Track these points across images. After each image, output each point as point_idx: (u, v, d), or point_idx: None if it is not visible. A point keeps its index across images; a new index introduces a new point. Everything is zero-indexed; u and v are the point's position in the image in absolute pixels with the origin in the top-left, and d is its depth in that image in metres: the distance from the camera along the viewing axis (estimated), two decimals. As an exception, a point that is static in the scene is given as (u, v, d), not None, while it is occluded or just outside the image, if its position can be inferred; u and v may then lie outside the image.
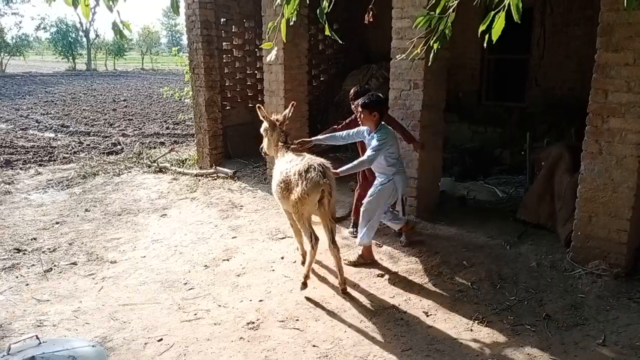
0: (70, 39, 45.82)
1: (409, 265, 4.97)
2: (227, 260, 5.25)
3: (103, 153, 10.83)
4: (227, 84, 9.09)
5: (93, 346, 2.63)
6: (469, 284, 4.56)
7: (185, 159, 9.67)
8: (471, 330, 3.87)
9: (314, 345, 3.72)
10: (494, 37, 2.72)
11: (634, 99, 4.26)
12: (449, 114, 8.00)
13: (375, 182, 4.84)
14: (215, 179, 8.21)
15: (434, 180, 6.28)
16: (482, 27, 2.63)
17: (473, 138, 9.01)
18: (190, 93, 9.55)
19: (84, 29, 46.75)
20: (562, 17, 8.33)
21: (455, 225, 5.77)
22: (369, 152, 4.49)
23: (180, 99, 14.07)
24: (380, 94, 4.60)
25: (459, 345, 3.69)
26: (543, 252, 5.05)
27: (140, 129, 14.12)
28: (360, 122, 4.62)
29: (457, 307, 4.20)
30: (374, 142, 4.47)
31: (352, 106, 4.99)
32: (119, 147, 11.51)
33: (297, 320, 4.08)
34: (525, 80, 9.13)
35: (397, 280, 4.70)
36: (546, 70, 8.70)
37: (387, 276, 4.77)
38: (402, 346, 3.65)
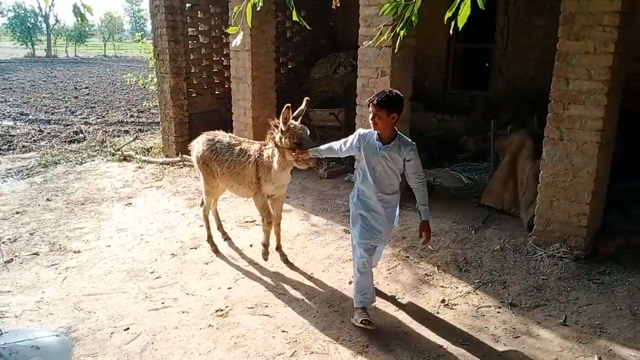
0: (28, 24, 44.23)
1: (377, 250, 5.02)
2: (195, 248, 5.20)
3: (64, 141, 10.51)
4: (192, 71, 8.94)
5: (57, 336, 2.56)
6: (435, 268, 4.64)
7: (151, 147, 9.50)
8: (438, 313, 3.95)
9: (283, 331, 3.73)
10: (460, 24, 2.74)
11: (594, 87, 4.39)
12: (415, 102, 8.09)
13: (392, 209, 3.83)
14: (182, 167, 8.09)
15: (401, 167, 6.33)
16: (448, 14, 2.66)
17: (439, 126, 9.14)
18: (155, 80, 9.36)
19: (43, 13, 45.20)
20: (525, 7, 8.49)
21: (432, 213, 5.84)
22: (420, 175, 3.61)
23: (144, 86, 13.76)
24: (399, 92, 3.52)
25: (426, 327, 3.76)
26: (507, 236, 5.18)
27: (103, 117, 13.76)
28: (372, 125, 3.55)
29: (423, 291, 4.27)
30: (413, 160, 3.55)
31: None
32: (81, 135, 11.18)
33: (267, 306, 4.08)
34: (489, 70, 9.29)
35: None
36: (510, 59, 8.87)
37: (355, 262, 4.81)
38: (370, 330, 3.70)
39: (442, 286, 4.34)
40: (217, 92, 9.44)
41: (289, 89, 10.34)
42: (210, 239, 5.17)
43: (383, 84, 5.73)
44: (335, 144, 3.87)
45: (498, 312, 3.96)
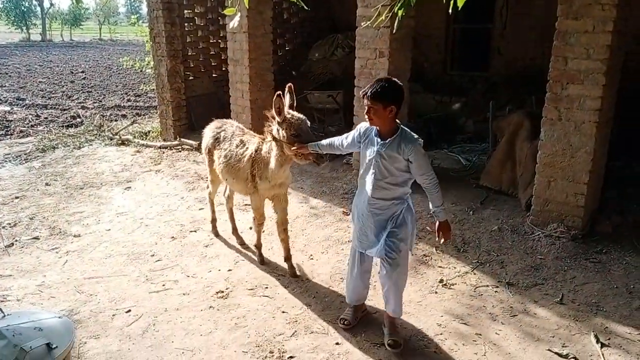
0: (23, 8, 43.68)
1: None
2: (195, 231, 5.22)
3: (62, 126, 10.47)
4: (189, 54, 8.88)
5: (59, 317, 2.59)
6: (434, 248, 4.67)
7: (148, 131, 9.47)
8: (436, 292, 3.99)
9: (283, 312, 3.77)
10: (460, 4, 2.73)
11: (592, 66, 4.37)
12: (414, 84, 8.05)
13: (406, 216, 3.30)
14: (180, 151, 8.08)
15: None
16: (447, -7, 2.64)
17: (437, 108, 9.10)
18: (152, 63, 9.29)
19: (37, -3, 44.61)
20: (524, -14, 8.41)
21: (420, 192, 5.81)
22: (428, 176, 3.12)
23: (141, 70, 13.66)
24: (397, 80, 3.10)
25: (425, 307, 3.80)
26: (504, 216, 5.20)
27: (100, 101, 13.69)
28: (368, 120, 3.16)
29: (422, 271, 4.31)
30: (417, 161, 3.07)
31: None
32: (78, 120, 11.13)
33: (267, 288, 4.12)
34: (489, 50, 9.23)
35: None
36: (509, 40, 8.81)
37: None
38: (370, 309, 3.74)
39: (440, 266, 4.37)
40: (214, 75, 9.38)
41: (286, 71, 10.28)
42: (213, 221, 5.13)
43: (381, 65, 5.71)
44: (337, 139, 3.47)
45: (496, 291, 4.00)
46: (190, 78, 8.92)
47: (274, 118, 3.67)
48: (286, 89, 3.74)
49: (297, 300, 3.92)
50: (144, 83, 15.37)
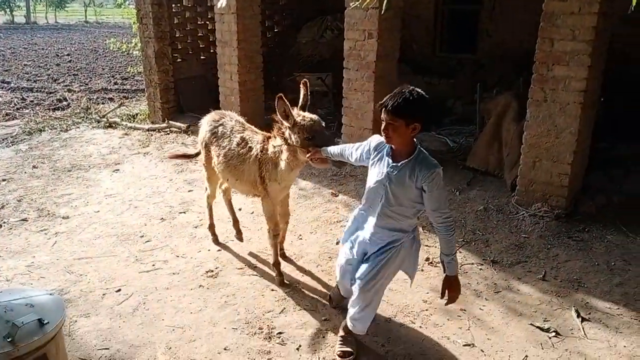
0: (5, -11, 42.69)
1: (364, 212, 5.12)
2: (184, 212, 5.24)
3: (48, 109, 10.35)
4: (177, 35, 8.78)
5: (50, 294, 2.61)
6: (420, 228, 4.74)
7: (136, 114, 9.40)
8: (422, 270, 4.06)
9: (272, 290, 3.83)
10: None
11: (578, 47, 4.42)
12: (403, 65, 8.05)
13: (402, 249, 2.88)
14: (168, 134, 8.05)
15: (388, 130, 6.36)
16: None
17: (426, 90, 9.09)
18: (139, 45, 9.19)
19: (20, -22, 43.68)
20: (513, -32, 8.40)
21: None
22: (442, 213, 2.62)
23: (127, 52, 13.51)
24: (421, 91, 2.56)
25: (411, 284, 3.86)
26: (490, 196, 5.29)
27: (87, 84, 13.52)
28: (385, 138, 2.62)
29: (409, 250, 4.38)
30: (432, 192, 2.57)
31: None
32: (64, 103, 11.00)
33: (256, 267, 4.17)
34: (477, 32, 9.24)
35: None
36: (498, 22, 8.82)
37: (342, 223, 4.89)
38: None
39: (427, 245, 4.44)
40: (202, 57, 9.30)
41: (275, 53, 10.23)
42: (211, 227, 4.63)
43: (370, 47, 5.71)
44: (348, 148, 3.02)
45: (480, 269, 4.08)
46: (178, 60, 8.84)
47: (282, 123, 3.28)
48: (301, 85, 3.43)
49: (287, 278, 3.97)
50: (131, 65, 15.20)
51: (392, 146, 2.65)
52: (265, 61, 7.77)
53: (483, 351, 3.16)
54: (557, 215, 4.72)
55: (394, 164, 2.64)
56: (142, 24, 8.33)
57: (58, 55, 19.76)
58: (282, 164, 3.49)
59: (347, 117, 6.15)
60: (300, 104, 3.35)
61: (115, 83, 13.71)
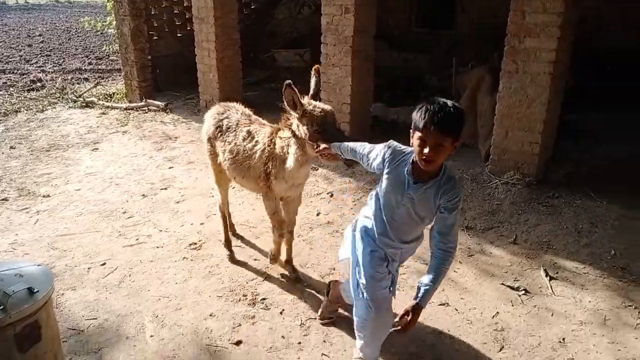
0: (-30, -33, 41.17)
1: (342, 185, 5.24)
2: (165, 189, 5.29)
3: (22, 90, 10.18)
4: (153, 13, 8.69)
5: (38, 265, 2.68)
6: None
7: (113, 93, 9.32)
8: (400, 237, 4.20)
9: (255, 259, 3.94)
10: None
11: (548, 19, 4.55)
12: (380, 41, 8.11)
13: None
14: (147, 112, 8.02)
15: (366, 105, 6.47)
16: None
17: (403, 65, 9.22)
18: (114, 23, 9.07)
19: (-15, -45, 42.08)
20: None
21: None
22: (450, 241, 2.36)
23: (101, 32, 13.28)
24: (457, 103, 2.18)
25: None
26: (465, 166, 5.45)
27: (60, 65, 13.26)
28: (425, 162, 2.16)
29: (387, 219, 4.52)
30: (452, 215, 2.30)
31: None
32: (39, 84, 10.82)
33: (238, 239, 4.27)
34: (453, 8, 9.32)
35: (333, 198, 4.96)
36: (473, -4, 8.92)
37: (322, 195, 5.01)
38: (336, 256, 3.92)
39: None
40: (179, 35, 9.24)
41: (252, 30, 10.19)
42: (228, 244, 4.07)
43: (347, 22, 5.75)
44: (359, 148, 2.63)
45: (456, 235, 4.24)
46: (155, 38, 8.77)
47: (290, 113, 2.98)
48: (312, 72, 3.11)
49: (268, 248, 4.05)
50: (106, 45, 14.95)
51: (417, 164, 2.23)
52: (243, 38, 7.75)
53: (457, 309, 3.33)
54: (528, 183, 4.90)
55: (418, 184, 2.28)
56: (117, 1, 8.22)
57: (30, 36, 19.26)
58: (291, 160, 3.12)
59: (325, 92, 6.21)
60: (311, 92, 3.03)
61: (90, 63, 13.47)
